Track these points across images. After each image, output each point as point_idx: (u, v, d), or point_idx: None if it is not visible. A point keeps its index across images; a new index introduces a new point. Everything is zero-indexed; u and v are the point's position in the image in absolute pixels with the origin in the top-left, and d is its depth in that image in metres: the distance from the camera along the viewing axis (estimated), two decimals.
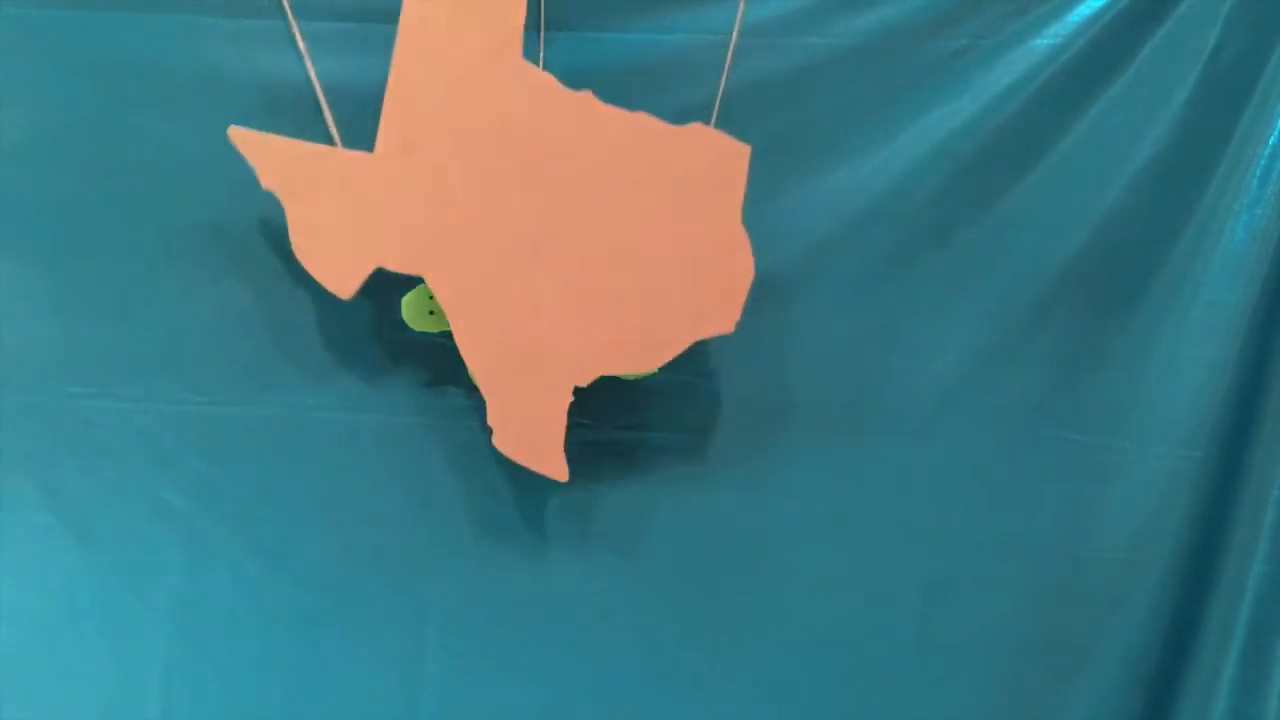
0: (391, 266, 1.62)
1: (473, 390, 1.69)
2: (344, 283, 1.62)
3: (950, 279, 1.77)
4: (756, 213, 1.71)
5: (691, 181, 1.62)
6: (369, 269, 1.62)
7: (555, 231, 1.61)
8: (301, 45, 1.68)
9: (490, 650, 1.76)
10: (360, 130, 1.67)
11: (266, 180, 1.60)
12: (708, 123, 1.67)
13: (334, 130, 1.67)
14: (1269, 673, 1.74)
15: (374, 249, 1.61)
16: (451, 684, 1.75)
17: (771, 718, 1.79)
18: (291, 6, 1.68)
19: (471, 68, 1.59)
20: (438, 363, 1.72)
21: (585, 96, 1.60)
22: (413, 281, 1.65)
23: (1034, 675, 1.79)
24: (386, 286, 1.66)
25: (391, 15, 1.66)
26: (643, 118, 1.61)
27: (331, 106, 1.68)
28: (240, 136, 1.60)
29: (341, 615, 1.74)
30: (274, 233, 1.68)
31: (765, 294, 1.71)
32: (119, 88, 1.69)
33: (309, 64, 1.68)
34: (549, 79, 1.61)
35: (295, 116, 1.68)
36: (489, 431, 1.68)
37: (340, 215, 1.60)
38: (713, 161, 1.62)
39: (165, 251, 1.70)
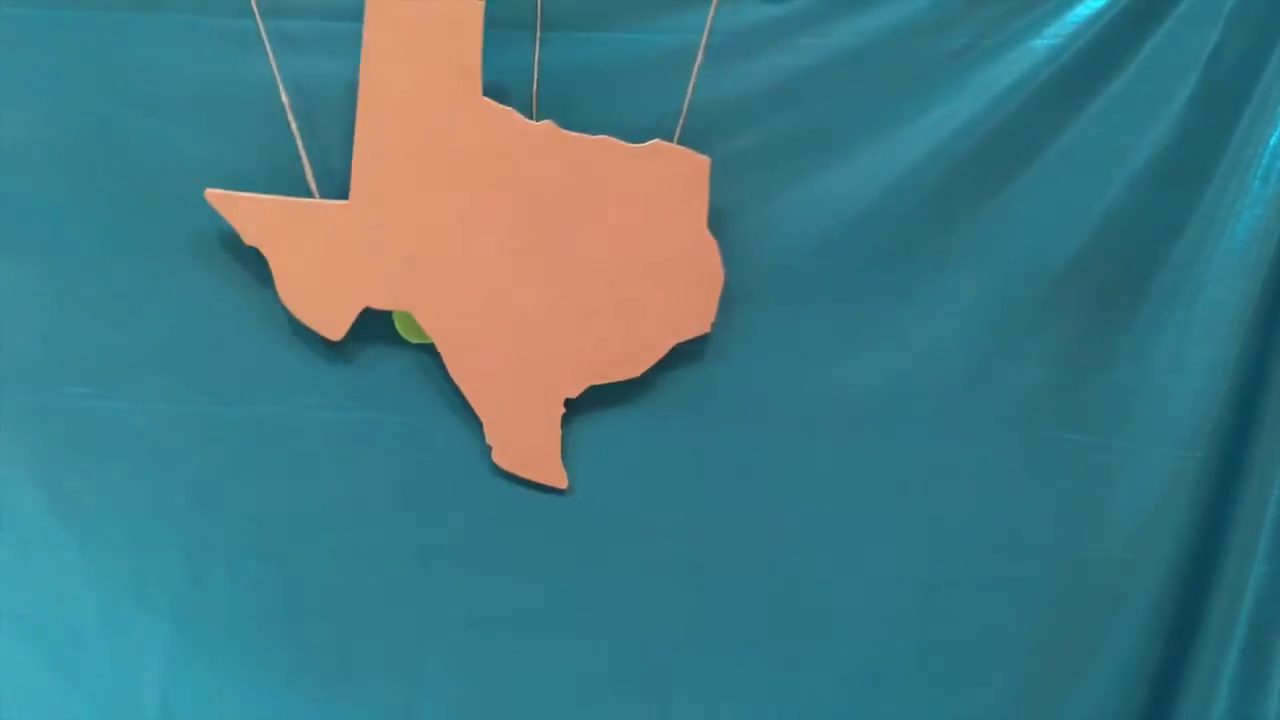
0: (378, 305, 1.68)
1: None
2: (334, 326, 1.68)
3: (950, 279, 1.77)
4: (756, 212, 1.73)
5: (657, 195, 1.68)
6: (356, 311, 1.68)
7: (531, 255, 1.68)
8: (267, 45, 1.68)
9: (489, 650, 1.76)
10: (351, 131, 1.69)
11: (248, 237, 1.66)
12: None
13: (296, 131, 1.68)
14: (1269, 673, 1.73)
15: (359, 291, 1.68)
16: (450, 683, 1.76)
17: (771, 715, 1.79)
18: (294, 6, 1.69)
19: (434, 108, 1.65)
20: (436, 362, 1.72)
21: (547, 125, 1.66)
22: None
23: (1034, 675, 1.78)
24: None
25: None
26: (604, 140, 1.67)
27: (329, 106, 1.69)
28: (217, 198, 1.65)
29: (340, 614, 1.75)
30: None
31: (764, 293, 1.73)
32: (119, 88, 1.69)
33: (274, 64, 1.68)
34: (509, 112, 1.66)
35: (295, 117, 1.69)
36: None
37: (323, 263, 1.67)
38: (676, 175, 1.68)
39: (165, 252, 1.71)
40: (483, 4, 1.64)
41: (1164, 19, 1.72)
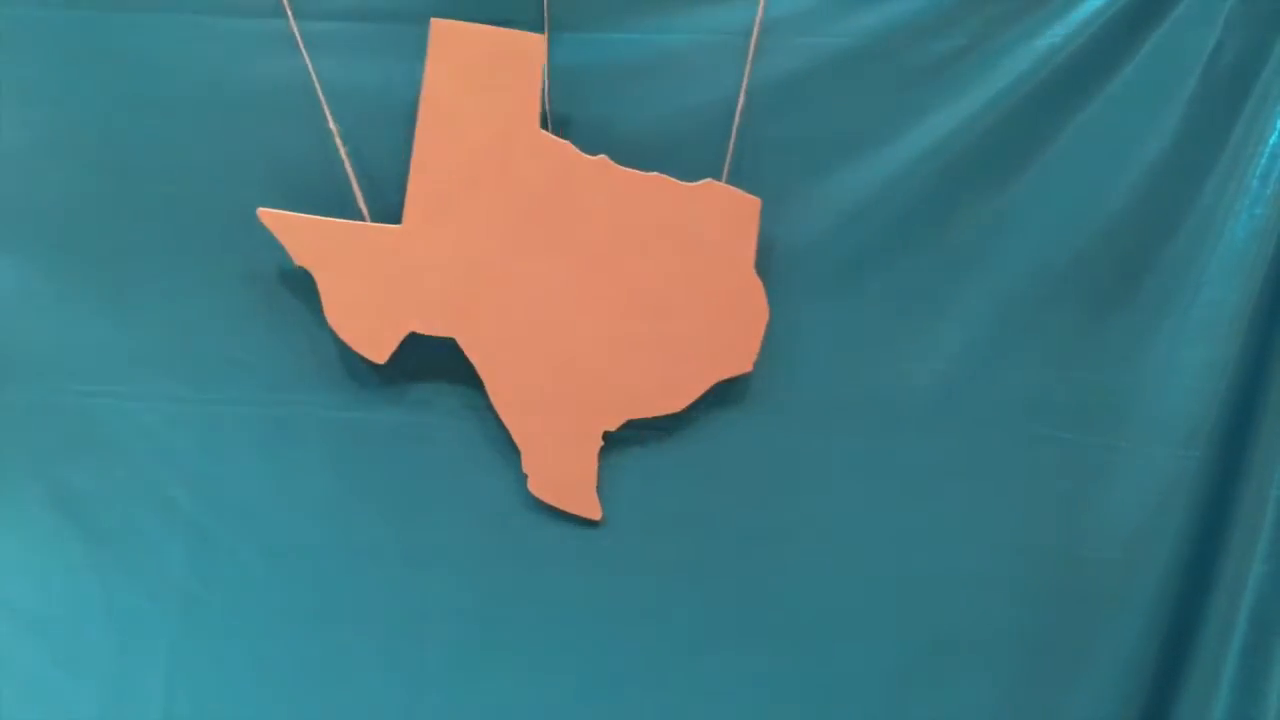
0: (423, 330, 1.69)
1: (474, 388, 1.72)
2: (378, 349, 1.69)
3: (950, 278, 1.77)
4: (767, 209, 1.72)
5: (706, 235, 1.70)
6: (401, 335, 1.69)
7: (578, 289, 1.70)
8: (301, 46, 1.69)
9: (490, 647, 1.77)
10: (364, 132, 1.71)
11: (298, 258, 1.67)
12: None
13: (333, 125, 1.70)
14: (1269, 672, 1.72)
15: (405, 316, 1.69)
16: (452, 680, 1.76)
17: (773, 715, 1.79)
18: (297, 6, 1.70)
19: (491, 140, 1.67)
20: (440, 361, 1.73)
21: (601, 160, 1.68)
22: None
23: (1032, 675, 1.79)
24: None
25: (396, 15, 1.70)
26: (656, 177, 1.69)
27: (335, 107, 1.70)
28: (270, 217, 1.66)
29: (343, 612, 1.76)
30: None
31: (772, 287, 1.73)
32: (125, 87, 1.70)
33: (309, 65, 1.69)
34: (566, 145, 1.68)
35: (300, 118, 1.70)
36: (494, 427, 1.73)
37: (371, 286, 1.68)
38: (726, 215, 1.70)
39: (170, 251, 1.72)
40: (544, 38, 1.67)
41: (1163, 19, 1.72)
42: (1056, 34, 1.72)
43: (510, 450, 1.74)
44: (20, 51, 1.68)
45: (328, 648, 1.76)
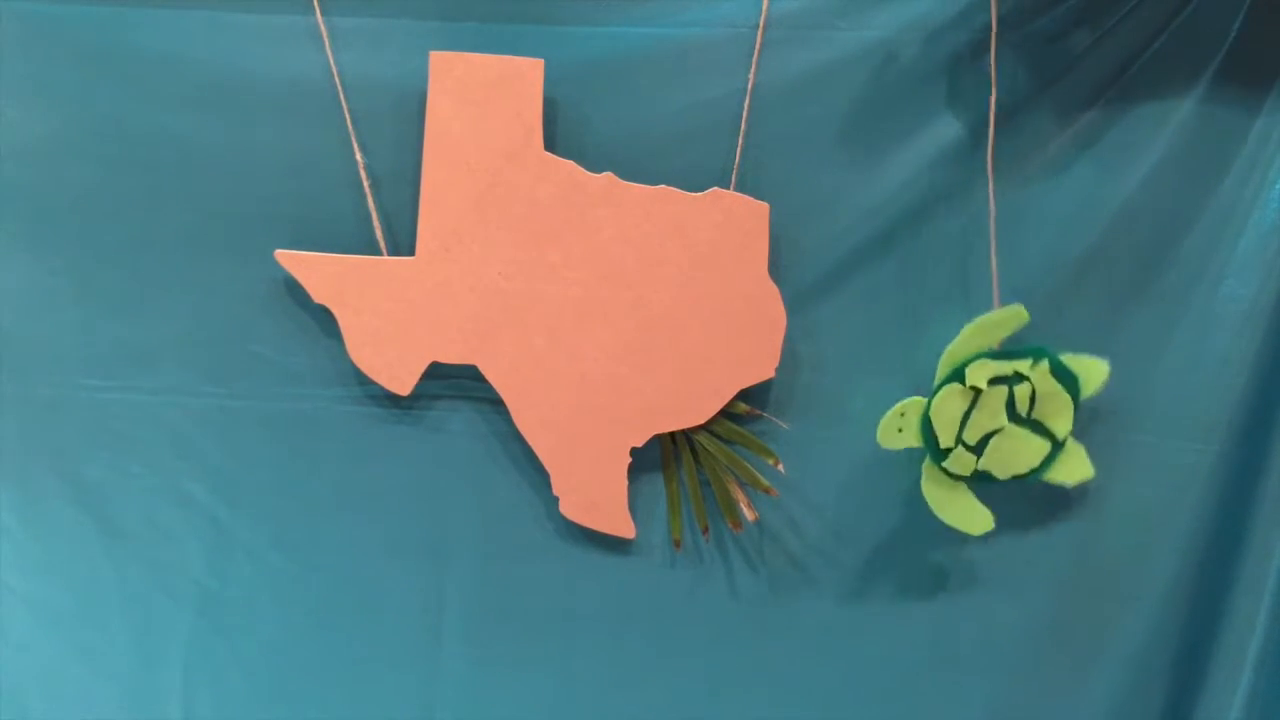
0: (444, 360, 1.70)
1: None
2: (401, 381, 1.70)
3: (968, 270, 1.76)
4: (776, 206, 1.71)
5: (717, 243, 1.70)
6: (424, 365, 1.69)
7: (594, 307, 1.70)
8: (326, 40, 1.69)
9: (507, 640, 1.77)
10: (379, 127, 1.70)
11: (317, 295, 1.68)
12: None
13: (351, 128, 1.70)
14: None
15: (426, 346, 1.69)
16: (467, 673, 1.77)
17: (787, 711, 1.80)
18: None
19: (497, 166, 1.68)
20: None
21: (607, 177, 1.68)
22: None
23: (1050, 670, 1.79)
24: None
25: (414, 11, 1.70)
26: (663, 190, 1.69)
27: (351, 103, 1.70)
28: (287, 257, 1.67)
29: (360, 605, 1.76)
30: (293, 228, 1.70)
31: (783, 286, 1.72)
32: (142, 83, 1.69)
33: (331, 60, 1.69)
34: (571, 165, 1.68)
35: (318, 114, 1.70)
36: (508, 423, 1.72)
37: (391, 319, 1.69)
38: (734, 222, 1.70)
39: (186, 246, 1.71)
40: (542, 62, 1.67)
41: (1181, 10, 1.70)
42: (1079, 25, 1.71)
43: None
44: (38, 47, 1.67)
45: (345, 643, 1.77)
